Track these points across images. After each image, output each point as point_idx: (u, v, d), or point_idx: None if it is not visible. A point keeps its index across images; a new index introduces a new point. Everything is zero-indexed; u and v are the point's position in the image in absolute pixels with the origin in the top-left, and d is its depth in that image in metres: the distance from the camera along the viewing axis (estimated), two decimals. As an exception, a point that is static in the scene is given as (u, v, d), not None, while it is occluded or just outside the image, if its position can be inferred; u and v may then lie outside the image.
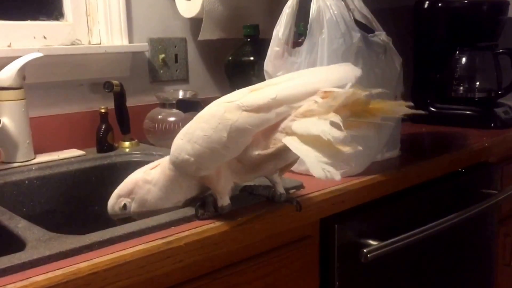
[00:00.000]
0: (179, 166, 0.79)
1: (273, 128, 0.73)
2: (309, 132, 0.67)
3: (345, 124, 0.68)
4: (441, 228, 1.11)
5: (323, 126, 0.65)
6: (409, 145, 1.24)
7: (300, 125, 0.69)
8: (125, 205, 0.85)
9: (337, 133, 0.64)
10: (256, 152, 0.74)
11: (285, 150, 0.71)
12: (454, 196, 1.27)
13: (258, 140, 0.74)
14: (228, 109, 0.73)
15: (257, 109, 0.71)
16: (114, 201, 0.86)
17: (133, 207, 0.85)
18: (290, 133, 0.70)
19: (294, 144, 0.68)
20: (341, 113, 0.68)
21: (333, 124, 0.66)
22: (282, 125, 0.72)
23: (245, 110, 0.71)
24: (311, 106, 0.70)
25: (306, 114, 0.70)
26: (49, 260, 0.66)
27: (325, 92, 0.71)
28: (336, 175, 0.64)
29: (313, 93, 0.72)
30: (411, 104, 0.72)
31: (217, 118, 0.73)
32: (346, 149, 0.64)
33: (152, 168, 0.85)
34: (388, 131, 1.10)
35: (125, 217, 0.86)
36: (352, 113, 0.70)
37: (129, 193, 0.85)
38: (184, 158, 0.76)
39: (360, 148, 0.65)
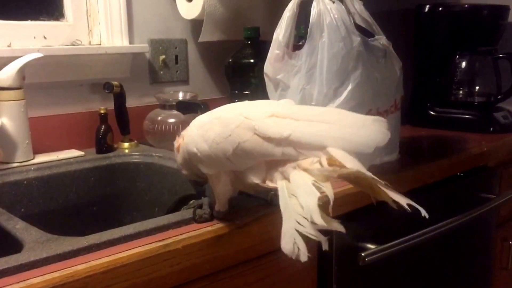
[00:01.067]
0: (188, 154, 0.79)
1: (277, 164, 0.72)
2: (298, 196, 0.65)
3: (349, 182, 0.68)
4: (439, 232, 1.11)
5: (310, 200, 0.63)
6: (408, 149, 1.24)
7: (296, 179, 0.68)
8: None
9: (317, 219, 0.62)
10: (256, 181, 0.74)
11: None
12: (453, 200, 1.27)
13: (261, 168, 0.74)
14: (243, 125, 0.72)
15: (268, 139, 0.71)
16: None
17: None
18: (287, 178, 0.70)
19: (283, 195, 0.68)
20: (342, 178, 0.67)
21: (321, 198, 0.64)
22: (285, 167, 0.71)
23: (256, 134, 0.71)
24: (314, 165, 0.68)
25: (307, 171, 0.68)
26: (47, 262, 0.66)
27: (332, 156, 0.68)
28: (304, 256, 0.62)
29: (322, 148, 0.69)
30: (414, 204, 0.68)
31: (230, 129, 0.73)
32: (331, 226, 0.63)
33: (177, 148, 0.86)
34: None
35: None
36: (356, 181, 0.68)
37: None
38: (192, 150, 0.77)
39: (344, 230, 0.63)
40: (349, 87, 1.00)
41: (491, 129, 1.54)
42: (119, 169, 1.25)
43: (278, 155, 0.71)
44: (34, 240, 0.73)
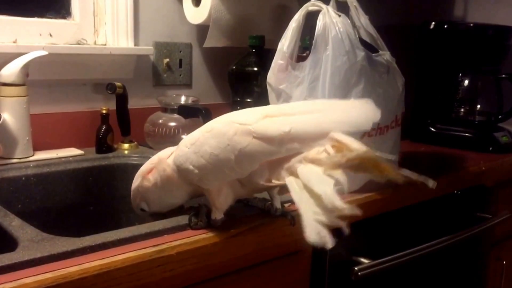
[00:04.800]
0: (182, 173, 0.79)
1: (280, 161, 0.72)
2: (312, 187, 0.66)
3: (354, 169, 0.68)
4: (433, 250, 1.11)
5: (326, 187, 0.64)
6: (407, 164, 1.23)
7: (305, 172, 0.68)
8: (142, 209, 0.87)
9: (338, 203, 0.63)
10: (260, 182, 0.74)
11: (286, 186, 0.71)
12: (449, 218, 1.27)
13: (263, 169, 0.74)
14: (239, 132, 0.72)
15: (269, 140, 0.71)
16: (134, 205, 0.87)
17: (148, 207, 0.86)
18: (295, 174, 0.70)
19: (295, 189, 0.68)
20: (351, 162, 0.67)
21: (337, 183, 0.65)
22: (289, 163, 0.71)
23: (256, 138, 0.71)
24: (321, 154, 0.68)
25: (314, 161, 0.68)
26: (40, 262, 0.66)
27: (337, 141, 0.69)
28: (329, 243, 0.63)
29: (326, 135, 0.70)
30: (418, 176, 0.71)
31: (227, 139, 0.72)
32: (347, 212, 0.64)
33: (149, 173, 0.85)
34: (387, 150, 1.11)
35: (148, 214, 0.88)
36: (361, 163, 0.68)
37: (141, 199, 0.86)
38: (188, 167, 0.76)
39: (359, 213, 0.63)
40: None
41: (490, 148, 1.54)
42: (118, 170, 1.25)
43: (283, 152, 0.71)
44: (29, 239, 0.73)
